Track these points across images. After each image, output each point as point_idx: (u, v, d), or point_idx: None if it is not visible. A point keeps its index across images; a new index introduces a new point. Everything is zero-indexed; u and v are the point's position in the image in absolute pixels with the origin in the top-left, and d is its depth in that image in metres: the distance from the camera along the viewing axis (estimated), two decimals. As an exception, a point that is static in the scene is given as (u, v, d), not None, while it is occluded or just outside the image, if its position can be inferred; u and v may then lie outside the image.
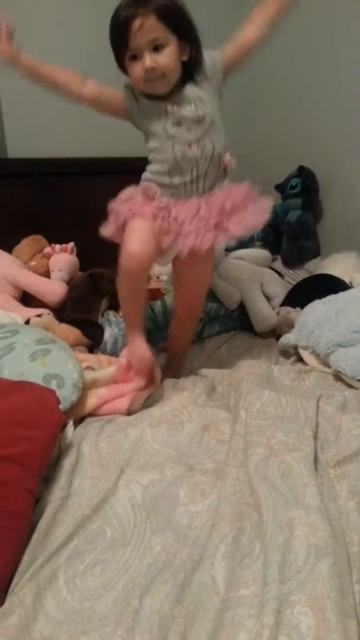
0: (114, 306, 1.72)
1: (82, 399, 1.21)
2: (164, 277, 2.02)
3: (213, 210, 1.22)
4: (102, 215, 2.09)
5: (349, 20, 1.91)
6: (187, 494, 0.91)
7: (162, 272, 2.08)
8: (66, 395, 1.13)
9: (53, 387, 1.11)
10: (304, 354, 1.50)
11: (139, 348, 1.32)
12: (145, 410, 1.23)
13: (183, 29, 1.15)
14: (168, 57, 1.12)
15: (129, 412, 1.23)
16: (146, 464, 0.99)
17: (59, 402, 1.04)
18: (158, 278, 2.01)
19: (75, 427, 1.15)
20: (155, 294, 1.81)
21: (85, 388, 1.22)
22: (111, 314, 1.70)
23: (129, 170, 2.11)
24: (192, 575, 0.76)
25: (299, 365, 1.49)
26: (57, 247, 1.81)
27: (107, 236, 1.29)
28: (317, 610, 0.67)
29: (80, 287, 1.69)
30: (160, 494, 0.91)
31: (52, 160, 2.05)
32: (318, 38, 2.08)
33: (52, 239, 1.86)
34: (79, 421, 1.18)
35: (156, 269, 2.10)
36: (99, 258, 1.76)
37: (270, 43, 2.24)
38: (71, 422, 1.13)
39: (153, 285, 1.86)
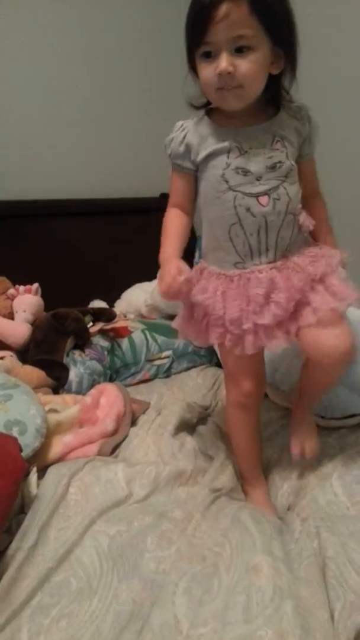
0: (79, 345, 1.72)
1: (46, 446, 1.19)
2: (131, 316, 2.04)
3: (293, 284, 0.95)
4: (67, 256, 2.11)
5: (314, 53, 1.99)
6: (154, 541, 0.90)
7: (128, 310, 2.09)
8: (29, 442, 1.11)
9: (15, 434, 1.09)
10: (269, 390, 1.51)
11: (261, 500, 1.08)
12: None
13: (282, 31, 0.86)
14: (253, 65, 0.84)
15: None
16: (114, 516, 0.98)
17: (21, 450, 1.03)
18: (125, 316, 2.02)
19: (40, 474, 1.12)
20: (122, 332, 1.81)
21: (49, 432, 1.20)
22: (77, 354, 1.69)
23: (95, 211, 2.17)
24: (152, 618, 0.75)
25: (265, 402, 1.51)
26: (21, 288, 1.80)
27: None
28: None
29: (44, 328, 1.68)
30: (127, 543, 0.90)
31: (16, 203, 2.06)
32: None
33: (16, 280, 1.86)
34: (44, 469, 1.15)
35: (122, 307, 2.12)
36: (64, 298, 1.76)
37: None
38: (34, 469, 1.11)
39: (119, 323, 1.86)
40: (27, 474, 1.09)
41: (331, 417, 1.30)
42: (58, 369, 1.59)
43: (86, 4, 2.06)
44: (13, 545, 0.89)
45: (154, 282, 2.00)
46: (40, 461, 1.16)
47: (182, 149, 0.96)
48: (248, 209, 0.93)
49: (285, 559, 0.83)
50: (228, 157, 0.92)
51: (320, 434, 1.23)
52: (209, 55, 0.85)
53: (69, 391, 1.58)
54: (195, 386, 1.60)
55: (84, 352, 1.69)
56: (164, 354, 1.77)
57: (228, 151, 0.92)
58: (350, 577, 0.80)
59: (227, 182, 0.92)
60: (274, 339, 0.96)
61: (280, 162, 0.93)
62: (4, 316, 1.74)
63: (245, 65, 0.84)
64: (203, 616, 0.73)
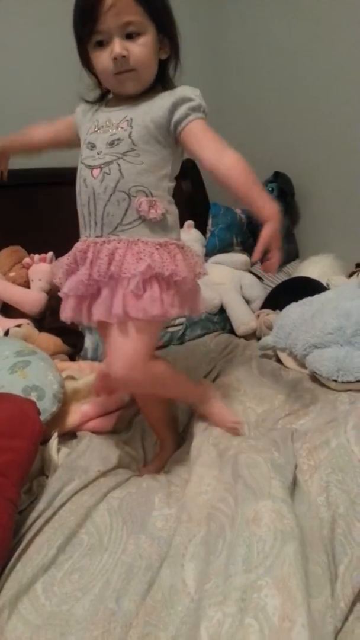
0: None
1: (64, 413, 1.22)
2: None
3: (98, 263, 0.96)
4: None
5: (329, 27, 1.94)
6: (161, 499, 0.94)
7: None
8: (47, 407, 1.14)
9: (33, 398, 1.12)
10: (282, 356, 1.52)
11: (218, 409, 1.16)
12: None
13: (163, 20, 0.95)
14: (143, 48, 0.92)
15: (114, 431, 1.25)
16: (127, 483, 1.02)
17: (39, 413, 1.06)
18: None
19: (59, 440, 1.15)
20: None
21: (66, 399, 1.24)
22: (92, 322, 1.72)
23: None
24: (163, 577, 0.78)
25: (277, 366, 1.51)
26: (36, 257, 1.82)
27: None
28: (283, 589, 0.69)
29: (59, 296, 1.70)
30: (136, 501, 0.94)
31: (30, 171, 2.05)
32: (295, 44, 2.12)
33: (31, 249, 1.87)
34: (63, 436, 1.19)
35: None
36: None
37: (246, 48, 2.25)
38: (55, 434, 1.14)
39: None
40: (48, 439, 1.12)
41: (345, 380, 1.31)
42: (74, 336, 1.62)
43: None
44: (40, 506, 0.92)
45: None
46: (59, 427, 1.20)
47: (73, 116, 1.09)
48: (84, 180, 0.99)
49: (286, 498, 0.85)
50: (87, 133, 1.01)
51: (332, 393, 1.29)
52: (102, 44, 0.93)
53: (85, 358, 1.61)
54: (208, 352, 1.61)
55: (99, 320, 1.72)
56: (178, 320, 1.78)
57: (88, 127, 1.02)
58: (358, 534, 0.82)
59: (81, 155, 1.01)
60: (83, 311, 1.02)
61: (119, 139, 0.96)
62: (20, 285, 1.77)
63: (137, 49, 0.92)
64: (207, 574, 0.76)
